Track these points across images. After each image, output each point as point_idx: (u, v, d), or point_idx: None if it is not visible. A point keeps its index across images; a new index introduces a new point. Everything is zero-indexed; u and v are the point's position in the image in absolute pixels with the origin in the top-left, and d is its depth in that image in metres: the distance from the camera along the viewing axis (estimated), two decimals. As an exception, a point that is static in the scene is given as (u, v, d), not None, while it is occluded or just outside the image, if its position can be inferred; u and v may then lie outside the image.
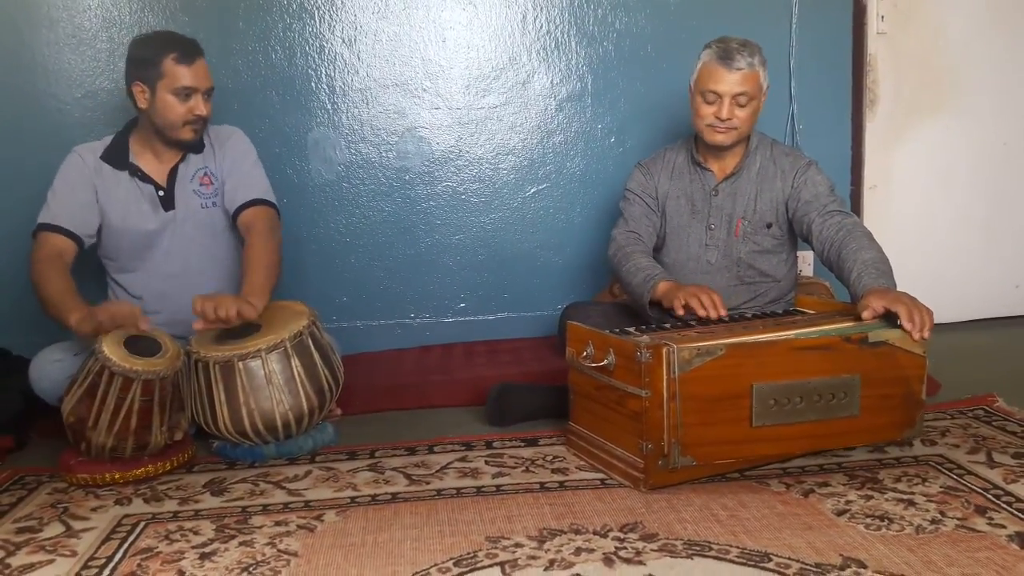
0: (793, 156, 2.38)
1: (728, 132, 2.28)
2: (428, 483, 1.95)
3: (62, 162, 2.35)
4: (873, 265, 2.05)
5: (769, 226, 2.36)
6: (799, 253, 2.60)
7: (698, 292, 2.11)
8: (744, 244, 2.36)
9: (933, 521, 1.65)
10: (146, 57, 2.25)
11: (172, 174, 2.36)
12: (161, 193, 2.35)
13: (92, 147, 2.37)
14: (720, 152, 2.36)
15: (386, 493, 1.90)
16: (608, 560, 1.54)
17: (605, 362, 1.91)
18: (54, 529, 1.79)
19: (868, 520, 1.66)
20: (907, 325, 1.87)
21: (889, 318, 1.93)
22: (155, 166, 2.36)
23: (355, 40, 2.99)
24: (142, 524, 1.79)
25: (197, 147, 2.37)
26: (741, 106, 2.25)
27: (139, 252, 2.37)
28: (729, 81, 2.23)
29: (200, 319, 2.06)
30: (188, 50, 2.26)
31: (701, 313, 2.08)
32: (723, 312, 2.09)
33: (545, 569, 1.51)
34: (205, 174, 2.39)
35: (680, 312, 2.11)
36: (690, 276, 2.36)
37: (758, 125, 2.38)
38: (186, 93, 2.25)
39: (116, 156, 2.35)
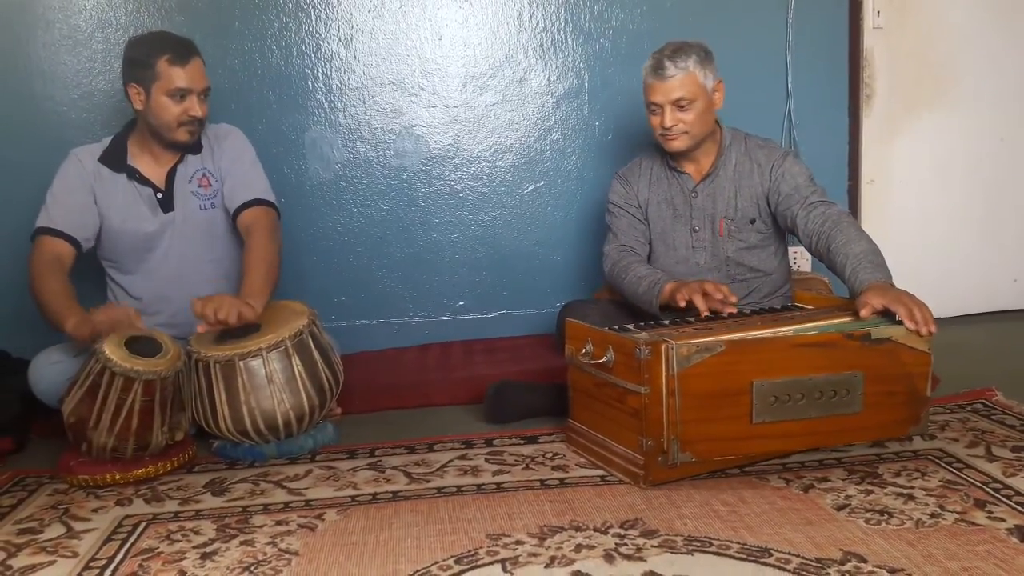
0: (768, 148, 2.37)
1: (679, 137, 2.29)
2: (428, 481, 1.95)
3: (60, 164, 2.35)
4: (866, 258, 2.05)
5: (753, 221, 2.35)
6: (797, 249, 2.59)
7: (702, 287, 2.11)
8: (730, 242, 2.36)
9: (933, 515, 1.65)
10: (140, 58, 2.25)
11: (170, 176, 2.36)
12: (160, 195, 2.35)
13: (90, 149, 2.36)
14: (690, 154, 2.36)
15: (387, 492, 1.91)
16: (609, 557, 1.54)
17: (604, 359, 1.91)
18: (55, 530, 1.79)
19: (868, 515, 1.67)
20: (909, 324, 1.87)
21: (887, 315, 1.93)
22: (153, 168, 2.36)
23: (351, 39, 2.98)
24: (143, 524, 1.79)
25: (194, 148, 2.37)
26: (682, 109, 2.26)
27: (138, 254, 2.37)
28: (663, 90, 2.26)
29: (202, 323, 2.06)
30: (182, 51, 2.25)
31: (703, 310, 2.08)
32: (732, 299, 2.09)
33: (546, 566, 1.52)
34: (203, 175, 2.38)
35: (682, 305, 2.11)
36: (682, 279, 2.35)
37: (754, 121, 2.37)
38: (181, 94, 2.24)
39: (114, 158, 2.35)
